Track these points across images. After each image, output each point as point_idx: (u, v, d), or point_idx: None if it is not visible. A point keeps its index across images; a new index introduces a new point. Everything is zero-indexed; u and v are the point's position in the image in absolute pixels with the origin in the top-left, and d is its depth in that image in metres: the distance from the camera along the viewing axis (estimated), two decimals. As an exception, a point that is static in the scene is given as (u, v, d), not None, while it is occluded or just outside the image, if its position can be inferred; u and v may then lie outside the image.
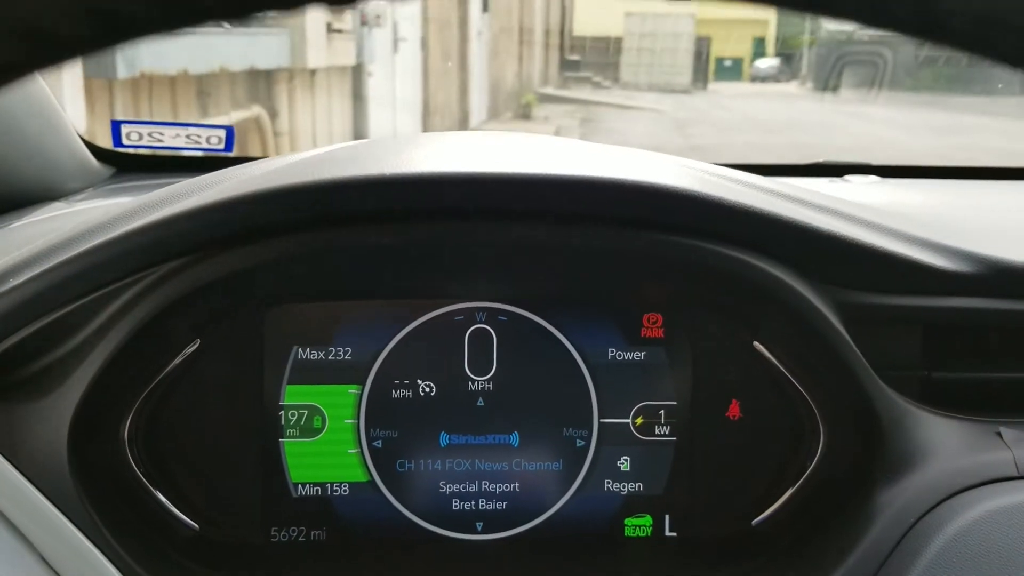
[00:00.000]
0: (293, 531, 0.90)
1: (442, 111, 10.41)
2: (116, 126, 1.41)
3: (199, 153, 1.45)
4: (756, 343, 0.90)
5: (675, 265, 0.86)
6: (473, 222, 0.83)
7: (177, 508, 0.87)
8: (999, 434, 0.85)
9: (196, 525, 0.87)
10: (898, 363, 0.88)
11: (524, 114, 14.15)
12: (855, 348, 0.83)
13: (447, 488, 0.91)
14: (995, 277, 0.86)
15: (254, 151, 5.65)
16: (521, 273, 0.91)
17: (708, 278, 0.86)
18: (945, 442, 0.84)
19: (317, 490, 0.90)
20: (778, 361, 0.89)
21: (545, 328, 0.91)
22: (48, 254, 0.79)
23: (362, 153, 0.88)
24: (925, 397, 0.88)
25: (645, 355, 0.92)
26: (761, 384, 0.91)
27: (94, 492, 0.80)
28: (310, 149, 0.95)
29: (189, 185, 0.85)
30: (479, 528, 0.91)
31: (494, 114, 13.14)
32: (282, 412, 0.90)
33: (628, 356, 0.91)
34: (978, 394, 0.89)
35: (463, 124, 10.87)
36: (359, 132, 7.84)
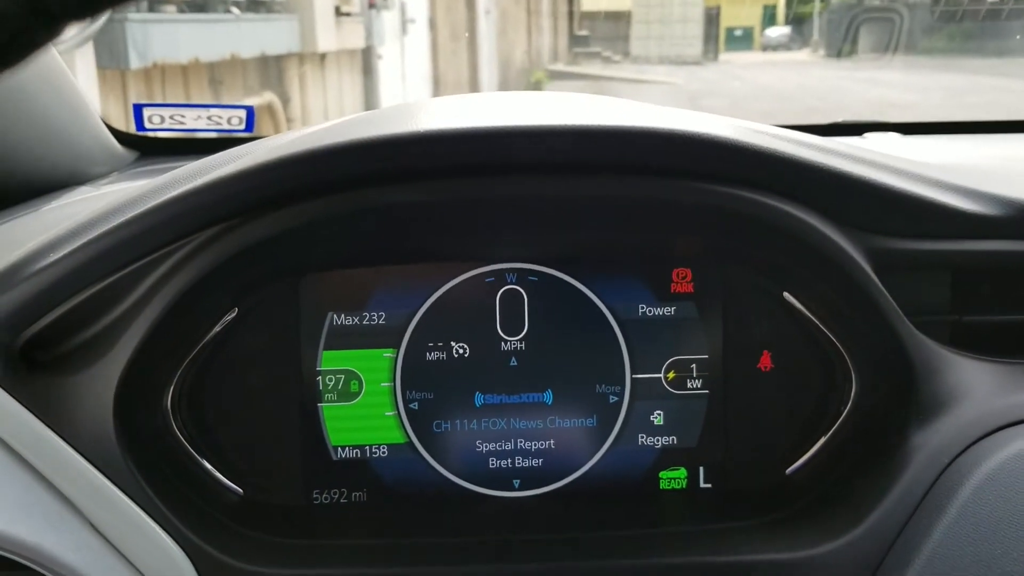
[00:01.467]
0: (334, 493, 0.92)
1: (452, 91, 10.38)
2: (138, 109, 1.42)
3: (220, 135, 1.46)
4: (786, 294, 0.90)
5: (706, 214, 0.86)
6: (505, 177, 0.84)
7: (222, 474, 0.89)
8: None
9: (240, 490, 0.89)
10: (928, 308, 0.88)
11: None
12: (887, 294, 0.84)
13: (484, 447, 0.92)
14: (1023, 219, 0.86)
15: (268, 137, 5.63)
16: (550, 233, 0.92)
17: (739, 227, 0.86)
18: (977, 384, 0.85)
19: (356, 452, 0.92)
20: (808, 310, 0.90)
21: (575, 287, 0.92)
22: (86, 228, 0.80)
23: (389, 115, 0.88)
24: (956, 341, 0.88)
25: (675, 310, 0.92)
26: (792, 334, 0.91)
27: (141, 460, 0.81)
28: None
29: (218, 158, 0.86)
30: (516, 485, 0.93)
31: (505, 93, 13.05)
32: (320, 377, 0.91)
33: (658, 311, 0.92)
34: (1008, 336, 0.90)
35: (474, 104, 10.81)
36: (371, 115, 7.82)
